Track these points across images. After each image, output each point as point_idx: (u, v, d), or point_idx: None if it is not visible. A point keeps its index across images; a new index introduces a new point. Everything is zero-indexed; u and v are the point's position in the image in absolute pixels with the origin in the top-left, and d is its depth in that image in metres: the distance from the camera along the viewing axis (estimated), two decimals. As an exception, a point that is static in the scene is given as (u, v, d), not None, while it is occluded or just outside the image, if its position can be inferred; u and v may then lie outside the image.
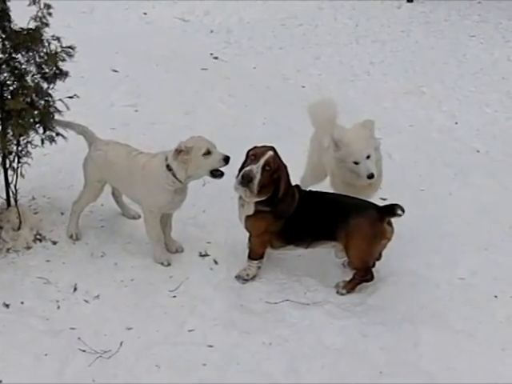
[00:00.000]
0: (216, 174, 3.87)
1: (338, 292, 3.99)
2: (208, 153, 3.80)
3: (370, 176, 3.99)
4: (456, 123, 7.22)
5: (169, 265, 4.09)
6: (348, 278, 4.01)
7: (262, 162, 3.70)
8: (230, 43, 9.51)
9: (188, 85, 7.34)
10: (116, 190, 4.46)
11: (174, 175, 3.88)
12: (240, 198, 3.95)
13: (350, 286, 3.99)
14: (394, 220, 3.97)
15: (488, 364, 3.48)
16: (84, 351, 3.31)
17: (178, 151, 3.82)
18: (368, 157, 3.99)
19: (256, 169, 3.68)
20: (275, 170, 3.76)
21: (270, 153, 3.76)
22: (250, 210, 3.89)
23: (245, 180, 3.68)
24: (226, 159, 3.83)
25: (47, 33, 3.98)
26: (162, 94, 6.98)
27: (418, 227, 4.76)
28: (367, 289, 4.03)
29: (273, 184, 3.77)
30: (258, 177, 3.68)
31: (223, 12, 11.18)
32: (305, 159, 5.72)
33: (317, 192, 4.07)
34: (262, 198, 3.81)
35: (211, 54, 8.84)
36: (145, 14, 10.53)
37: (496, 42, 11.21)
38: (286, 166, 3.88)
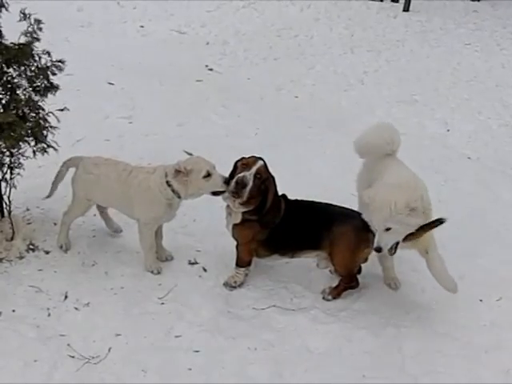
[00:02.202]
0: (217, 193, 3.93)
1: (323, 298, 4.05)
2: (208, 175, 3.85)
3: (377, 249, 3.70)
4: (448, 130, 7.30)
5: (158, 273, 4.16)
6: (334, 285, 4.08)
7: (254, 169, 3.79)
8: (226, 55, 9.63)
9: (182, 96, 7.46)
10: None
11: (174, 191, 3.95)
12: (227, 206, 4.03)
13: (336, 293, 4.05)
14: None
15: (470, 366, 3.54)
16: (73, 357, 3.37)
17: (177, 171, 3.89)
18: (387, 229, 3.61)
19: (249, 176, 3.76)
20: (264, 180, 3.84)
21: (261, 162, 3.85)
22: (238, 219, 3.97)
23: (239, 186, 3.75)
24: (227, 181, 3.87)
25: (37, 47, 4.07)
26: (156, 106, 7.09)
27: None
28: (353, 294, 4.09)
29: (260, 194, 3.85)
30: (250, 183, 3.76)
31: (220, 24, 11.33)
32: (296, 168, 5.85)
33: (303, 201, 4.13)
34: (250, 208, 3.89)
35: (206, 66, 8.95)
36: (142, 27, 10.67)
37: (491, 50, 11.32)
38: (273, 178, 3.96)
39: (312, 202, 4.16)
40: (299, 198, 4.17)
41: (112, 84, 7.71)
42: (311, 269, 4.30)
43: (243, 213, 3.94)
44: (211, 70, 8.86)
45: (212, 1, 12.93)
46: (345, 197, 4.96)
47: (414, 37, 11.88)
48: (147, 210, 4.05)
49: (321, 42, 10.96)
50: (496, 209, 5.47)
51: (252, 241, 4.00)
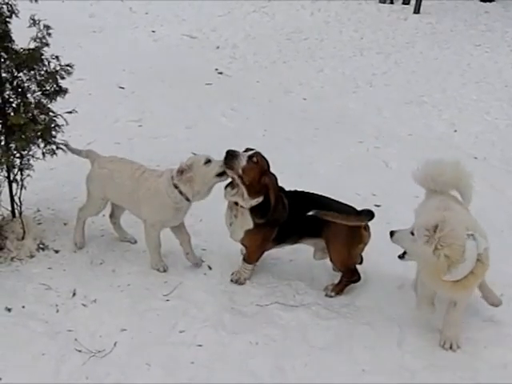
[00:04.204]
0: (221, 174, 3.97)
1: (326, 295, 4.12)
2: (208, 161, 3.96)
3: (390, 232, 3.72)
4: (455, 131, 7.33)
5: (165, 271, 4.26)
6: (336, 281, 4.15)
7: (249, 152, 3.91)
8: (236, 58, 9.73)
9: (191, 100, 7.56)
10: (115, 211, 4.58)
11: (181, 192, 4.03)
12: (231, 209, 4.09)
13: (339, 289, 4.12)
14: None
15: (469, 361, 3.59)
16: (80, 351, 3.47)
17: (181, 171, 3.98)
18: (412, 233, 3.52)
19: (242, 153, 3.87)
20: (263, 170, 3.90)
21: (258, 152, 3.94)
22: (250, 224, 4.02)
23: (229, 156, 3.83)
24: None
25: (46, 52, 4.20)
26: (166, 109, 7.20)
27: (409, 232, 4.88)
28: (354, 291, 4.16)
29: (262, 188, 3.90)
30: (243, 160, 3.83)
31: (230, 28, 11.45)
32: (302, 168, 5.93)
33: (302, 193, 4.20)
34: (253, 201, 3.92)
35: (216, 70, 9.06)
36: (153, 31, 10.81)
37: (501, 51, 11.32)
38: (275, 176, 4.02)
39: (308, 193, 4.22)
40: (298, 189, 4.23)
41: (123, 88, 7.86)
42: (314, 266, 4.38)
43: (252, 216, 3.97)
44: (221, 73, 8.97)
45: (223, 6, 13.06)
46: (350, 196, 5.03)
47: (423, 38, 11.91)
48: (155, 212, 4.14)
49: (331, 44, 11.03)
50: (501, 207, 5.50)
51: (264, 242, 4.09)
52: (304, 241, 4.19)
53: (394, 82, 9.12)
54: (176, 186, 4.02)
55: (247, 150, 3.96)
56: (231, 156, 3.84)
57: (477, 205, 5.40)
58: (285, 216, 4.01)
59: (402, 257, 3.70)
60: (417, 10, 14.03)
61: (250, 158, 3.87)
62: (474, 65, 10.30)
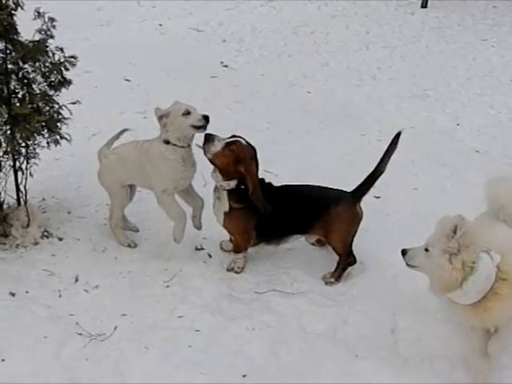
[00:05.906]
0: (198, 127, 4.00)
1: (326, 283, 4.19)
2: (187, 113, 4.00)
3: (402, 251, 3.34)
4: (458, 125, 7.35)
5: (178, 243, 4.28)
6: (333, 269, 4.23)
7: (229, 140, 3.93)
8: (241, 52, 9.78)
9: (197, 92, 7.62)
10: None
11: (173, 144, 4.06)
12: (215, 191, 4.16)
13: (337, 275, 4.21)
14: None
15: (462, 348, 3.64)
16: (81, 334, 3.58)
17: (160, 116, 4.07)
18: (426, 249, 3.18)
19: (219, 138, 3.91)
20: (238, 158, 3.89)
21: (243, 141, 3.96)
22: (226, 207, 4.07)
23: (205, 139, 3.92)
24: (206, 117, 3.99)
25: (51, 44, 4.29)
26: (171, 102, 7.24)
27: (407, 223, 4.95)
28: (351, 279, 4.24)
29: (235, 174, 3.93)
30: (217, 146, 3.88)
31: (237, 22, 11.48)
32: (304, 160, 6.00)
33: (290, 187, 4.24)
34: (224, 183, 3.98)
35: (221, 63, 9.12)
36: (160, 25, 10.87)
37: (508, 46, 11.26)
38: (257, 176, 4.02)
39: (297, 185, 4.29)
40: (286, 184, 4.27)
41: (129, 80, 7.94)
42: (312, 255, 4.46)
43: (229, 199, 4.04)
44: (226, 66, 9.03)
45: (231, 0, 13.11)
46: (351, 188, 5.11)
47: (430, 33, 11.87)
48: (163, 173, 4.12)
49: (336, 38, 11.03)
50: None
51: (247, 230, 4.14)
52: (293, 239, 4.29)
53: (399, 75, 9.13)
54: (167, 142, 4.07)
55: (233, 136, 3.98)
56: (206, 140, 3.91)
57: (476, 196, 5.46)
58: (265, 207, 3.97)
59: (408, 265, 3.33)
60: (424, 5, 13.97)
61: (227, 145, 3.90)
62: (480, 59, 10.28)
